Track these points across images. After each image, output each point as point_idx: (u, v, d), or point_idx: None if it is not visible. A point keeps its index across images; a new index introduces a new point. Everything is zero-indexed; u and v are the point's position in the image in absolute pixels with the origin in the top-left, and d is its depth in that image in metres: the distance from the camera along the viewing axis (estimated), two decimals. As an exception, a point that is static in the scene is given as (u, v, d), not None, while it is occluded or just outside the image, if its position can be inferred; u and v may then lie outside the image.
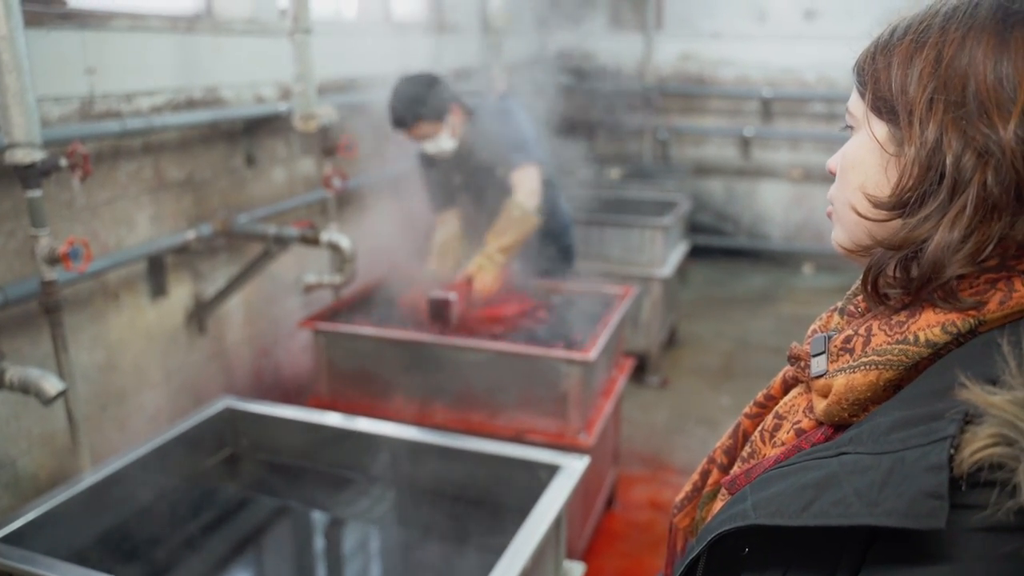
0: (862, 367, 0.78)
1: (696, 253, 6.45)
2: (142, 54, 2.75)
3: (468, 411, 2.85)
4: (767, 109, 6.81)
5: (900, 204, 0.77)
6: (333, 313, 3.18)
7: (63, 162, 2.16)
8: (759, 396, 0.99)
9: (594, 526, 3.16)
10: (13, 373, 2.12)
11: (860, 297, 0.88)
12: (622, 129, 7.16)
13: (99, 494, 2.08)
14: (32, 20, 2.28)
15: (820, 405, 0.82)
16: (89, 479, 2.08)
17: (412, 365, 2.89)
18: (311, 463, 2.48)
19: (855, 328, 0.82)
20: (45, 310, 2.21)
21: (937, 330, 0.74)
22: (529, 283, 3.41)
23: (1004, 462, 0.60)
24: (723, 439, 1.02)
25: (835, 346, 0.83)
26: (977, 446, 0.61)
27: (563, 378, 2.71)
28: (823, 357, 0.85)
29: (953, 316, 0.74)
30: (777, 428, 0.89)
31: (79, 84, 2.52)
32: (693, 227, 6.57)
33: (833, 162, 0.88)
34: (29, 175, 2.07)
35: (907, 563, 0.63)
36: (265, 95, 3.41)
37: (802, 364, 0.90)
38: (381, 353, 2.92)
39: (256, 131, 3.36)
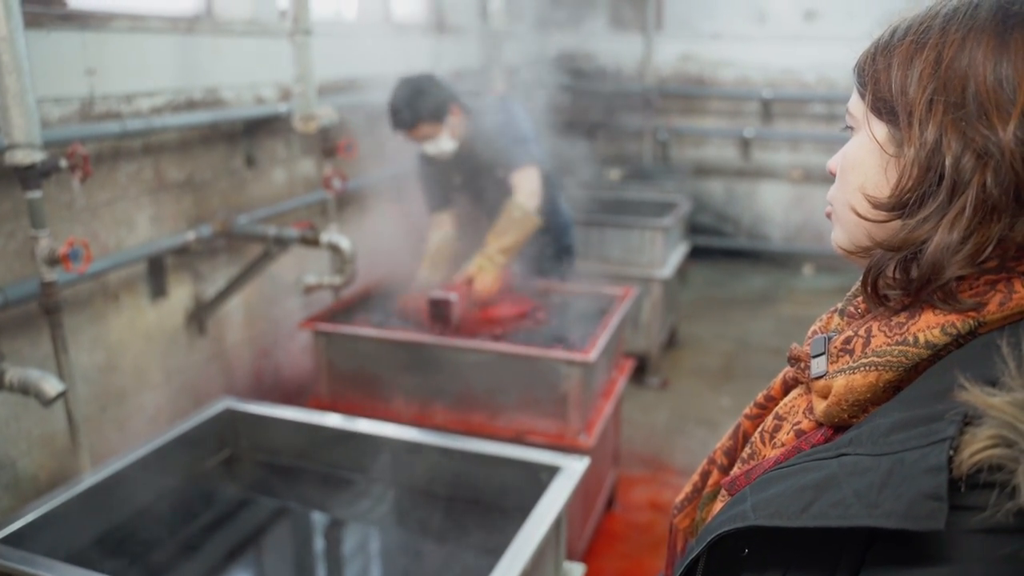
0: (862, 368, 0.78)
1: (696, 254, 6.45)
2: (142, 55, 2.76)
3: (468, 412, 2.85)
4: (767, 110, 6.81)
5: (899, 205, 0.77)
6: (333, 314, 3.18)
7: (63, 163, 2.16)
8: (759, 397, 0.99)
9: (594, 527, 3.16)
10: (13, 374, 2.12)
11: (860, 298, 0.88)
12: (622, 130, 7.17)
13: (99, 495, 2.08)
14: (32, 21, 2.28)
15: (820, 406, 0.82)
16: (89, 480, 2.08)
17: (412, 366, 2.89)
18: (311, 464, 2.48)
19: (855, 329, 0.82)
20: (45, 311, 2.21)
21: (937, 331, 0.74)
22: (529, 284, 3.41)
23: (1003, 464, 0.60)
24: (723, 440, 1.02)
25: (835, 347, 0.83)
26: (976, 448, 0.61)
27: (563, 379, 2.71)
28: (823, 358, 0.85)
29: (953, 317, 0.74)
30: (777, 429, 0.89)
31: (79, 85, 2.52)
32: (693, 228, 6.57)
33: (833, 163, 0.88)
34: (29, 176, 2.07)
35: (906, 564, 0.63)
36: (265, 96, 3.41)
37: (802, 365, 0.90)
38: (381, 354, 2.92)
39: (256, 132, 3.36)
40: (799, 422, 0.86)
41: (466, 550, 2.28)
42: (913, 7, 0.81)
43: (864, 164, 0.82)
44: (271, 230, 3.04)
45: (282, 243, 3.03)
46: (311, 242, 3.04)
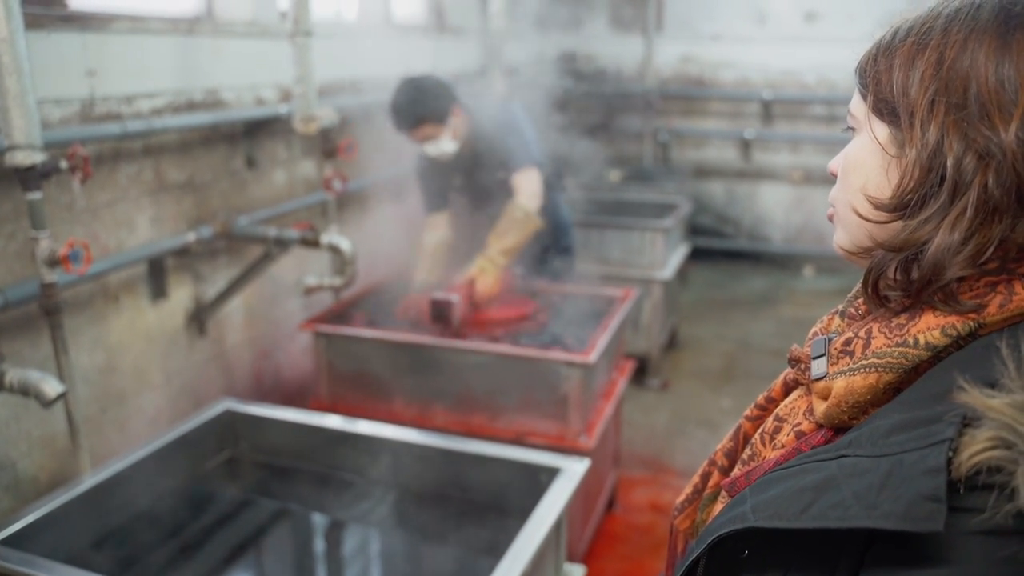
0: (862, 370, 0.78)
1: (696, 255, 6.45)
2: (143, 56, 2.76)
3: (468, 414, 2.85)
4: (767, 111, 6.81)
5: (901, 206, 0.77)
6: (333, 315, 3.18)
7: (63, 164, 2.16)
8: (760, 398, 0.99)
9: (594, 528, 3.16)
10: (13, 375, 2.12)
11: (861, 300, 0.88)
12: (622, 131, 7.17)
13: (99, 496, 2.08)
14: (33, 22, 2.28)
15: (820, 407, 0.82)
16: (89, 481, 2.08)
17: (412, 367, 2.89)
18: (311, 465, 2.48)
19: (855, 331, 0.82)
20: (45, 312, 2.21)
21: (937, 333, 0.74)
22: (530, 285, 3.41)
23: (1002, 465, 0.60)
24: (724, 441, 1.02)
25: (835, 349, 0.83)
26: (975, 449, 0.61)
27: (563, 380, 2.71)
28: (823, 360, 0.85)
29: (953, 319, 0.74)
30: (777, 430, 0.89)
31: (79, 86, 2.52)
32: (694, 229, 6.57)
33: (834, 164, 0.88)
34: (29, 177, 2.07)
35: (905, 566, 0.63)
36: (265, 97, 3.42)
37: (802, 366, 0.90)
38: (381, 355, 2.92)
39: (256, 133, 3.36)
40: (799, 423, 0.86)
41: (466, 551, 2.28)
42: (914, 8, 0.81)
43: (865, 165, 0.82)
44: (271, 231, 3.04)
45: (282, 244, 3.03)
46: (311, 243, 3.04)
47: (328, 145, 3.42)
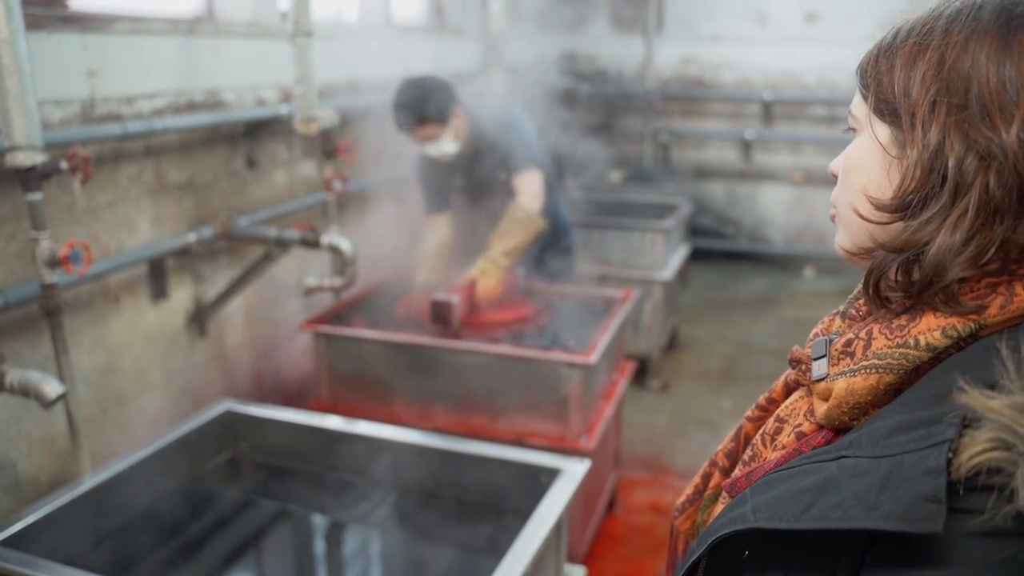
0: (862, 371, 0.78)
1: (697, 256, 6.45)
2: (143, 57, 2.76)
3: (469, 414, 2.85)
4: (768, 112, 6.81)
5: (902, 207, 0.77)
6: (334, 316, 3.18)
7: (64, 165, 2.16)
8: (761, 399, 0.99)
9: (595, 529, 3.16)
10: (13, 376, 2.12)
11: (862, 301, 0.88)
12: (623, 132, 7.17)
13: (99, 497, 2.08)
14: (33, 23, 2.29)
15: (821, 409, 0.82)
16: (89, 482, 2.08)
17: (413, 368, 2.89)
18: (311, 466, 2.48)
19: (856, 332, 0.82)
20: (45, 313, 2.21)
21: (937, 334, 0.74)
22: (530, 286, 3.41)
23: (1002, 466, 0.60)
24: (725, 442, 1.02)
25: (836, 350, 0.83)
26: (975, 450, 0.61)
27: (564, 381, 2.71)
28: (824, 361, 0.85)
29: (954, 320, 0.74)
30: (778, 431, 0.89)
31: (80, 87, 2.52)
32: (694, 230, 6.57)
33: (835, 165, 0.88)
34: (30, 178, 2.07)
35: (905, 567, 0.63)
36: (266, 98, 3.42)
37: (803, 367, 0.90)
38: (382, 356, 2.92)
39: (257, 134, 3.36)
40: (800, 424, 0.86)
41: (466, 552, 2.28)
42: (915, 9, 0.81)
43: (866, 166, 0.82)
44: (272, 232, 3.04)
45: (283, 245, 3.03)
46: (312, 244, 3.04)
47: (328, 146, 3.42)
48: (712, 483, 1.01)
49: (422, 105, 3.09)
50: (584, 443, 2.72)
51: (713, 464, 1.02)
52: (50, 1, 2.49)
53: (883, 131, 0.80)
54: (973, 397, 0.63)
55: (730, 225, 7.18)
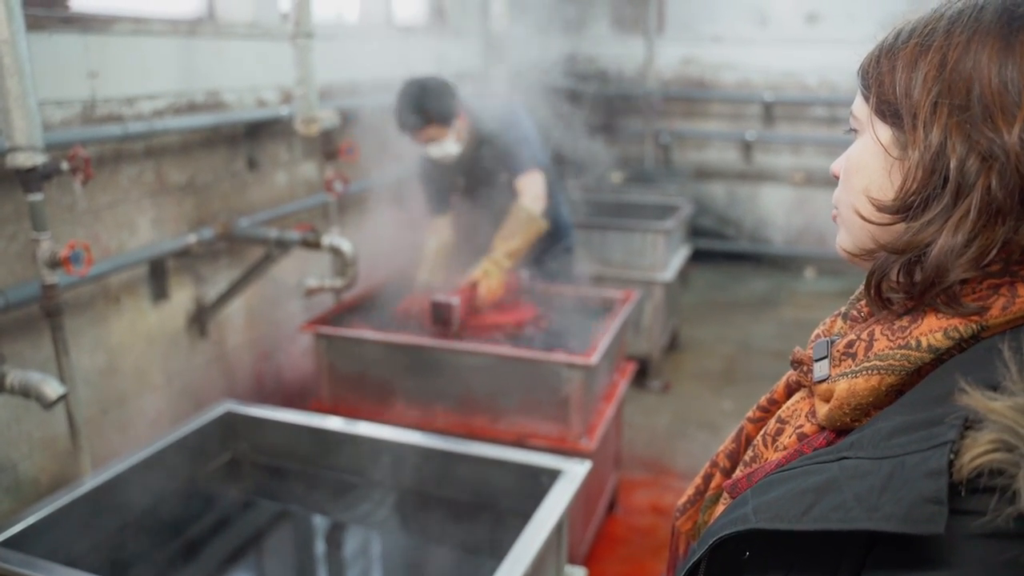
0: (864, 372, 0.78)
1: (698, 257, 6.45)
2: (144, 58, 2.76)
3: (470, 415, 2.85)
4: (769, 113, 6.81)
5: (904, 208, 0.77)
6: (334, 317, 3.18)
7: (65, 166, 2.16)
8: (762, 400, 0.98)
9: (596, 531, 3.16)
10: (14, 377, 2.12)
11: (863, 302, 0.88)
12: (624, 133, 7.17)
13: (100, 498, 2.08)
14: (34, 24, 2.29)
15: (822, 410, 0.82)
16: (90, 483, 2.08)
17: (413, 369, 2.89)
18: (312, 467, 2.48)
19: (858, 333, 0.82)
20: (46, 314, 2.21)
21: (939, 335, 0.74)
22: (531, 287, 3.41)
23: (1004, 468, 0.59)
24: (726, 443, 1.02)
25: (838, 351, 0.83)
26: (977, 452, 0.60)
27: (565, 382, 2.71)
28: (826, 362, 0.84)
29: (955, 321, 0.74)
30: (779, 432, 0.89)
31: (81, 88, 2.52)
32: (695, 231, 6.57)
33: (837, 166, 0.88)
34: (31, 179, 2.07)
35: (906, 568, 0.63)
36: (267, 99, 3.42)
37: (805, 368, 0.90)
38: (382, 357, 2.92)
39: (258, 135, 3.36)
40: (801, 425, 0.86)
41: (467, 554, 2.28)
42: (917, 9, 0.81)
43: (868, 167, 0.81)
44: (272, 233, 3.04)
45: (283, 246, 3.03)
46: (312, 245, 3.04)
47: (329, 147, 3.43)
48: (713, 484, 1.01)
49: (425, 106, 3.09)
50: (585, 444, 2.72)
51: (714, 465, 1.02)
52: (51, 2, 2.49)
53: (885, 132, 0.80)
54: (975, 398, 0.63)
55: (731, 226, 7.18)
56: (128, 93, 2.69)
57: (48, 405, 2.10)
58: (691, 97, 7.04)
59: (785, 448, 0.86)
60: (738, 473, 0.92)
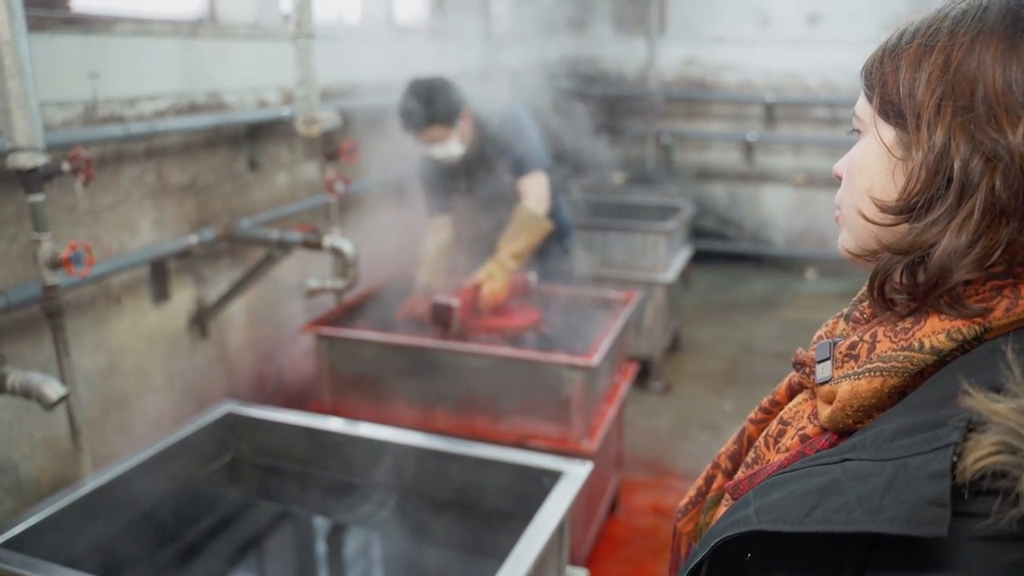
0: (867, 373, 0.77)
1: (699, 258, 6.45)
2: (145, 59, 2.76)
3: (470, 416, 2.85)
4: (770, 114, 6.81)
5: (907, 208, 0.76)
6: (336, 318, 3.18)
7: (66, 166, 2.16)
8: (764, 401, 0.98)
9: (597, 532, 3.16)
10: (15, 377, 2.12)
11: (866, 303, 0.87)
12: (625, 134, 7.17)
13: (101, 499, 2.08)
14: (35, 24, 2.29)
15: (825, 411, 0.82)
16: (91, 484, 2.08)
17: (415, 370, 2.89)
18: (313, 468, 2.47)
19: (860, 334, 0.82)
20: (47, 314, 2.21)
21: (942, 337, 0.74)
22: (532, 288, 3.41)
23: (1007, 470, 0.59)
24: (728, 444, 1.02)
25: (840, 352, 0.83)
26: (980, 454, 0.60)
27: (566, 383, 2.71)
28: (828, 363, 0.84)
29: (959, 323, 0.74)
30: (781, 434, 0.89)
31: (82, 88, 2.52)
32: (696, 232, 6.56)
33: (839, 166, 0.88)
34: (32, 179, 2.07)
35: (909, 570, 0.62)
36: (268, 100, 3.42)
37: (807, 370, 0.89)
38: (384, 358, 2.92)
39: (259, 136, 3.36)
40: (804, 427, 0.86)
41: (468, 555, 2.28)
42: (920, 10, 0.81)
43: (871, 167, 0.81)
44: (274, 234, 3.04)
45: (285, 247, 3.03)
46: (314, 246, 3.04)
47: (330, 147, 3.42)
48: (715, 485, 1.01)
49: (430, 106, 3.09)
50: (586, 445, 2.72)
51: (716, 466, 1.02)
52: (52, 3, 2.49)
53: (888, 133, 0.80)
54: (978, 400, 0.63)
55: (732, 227, 7.17)
56: (129, 94, 2.69)
57: (49, 406, 2.09)
58: (692, 98, 7.04)
59: (787, 449, 0.86)
60: (740, 474, 0.92)
